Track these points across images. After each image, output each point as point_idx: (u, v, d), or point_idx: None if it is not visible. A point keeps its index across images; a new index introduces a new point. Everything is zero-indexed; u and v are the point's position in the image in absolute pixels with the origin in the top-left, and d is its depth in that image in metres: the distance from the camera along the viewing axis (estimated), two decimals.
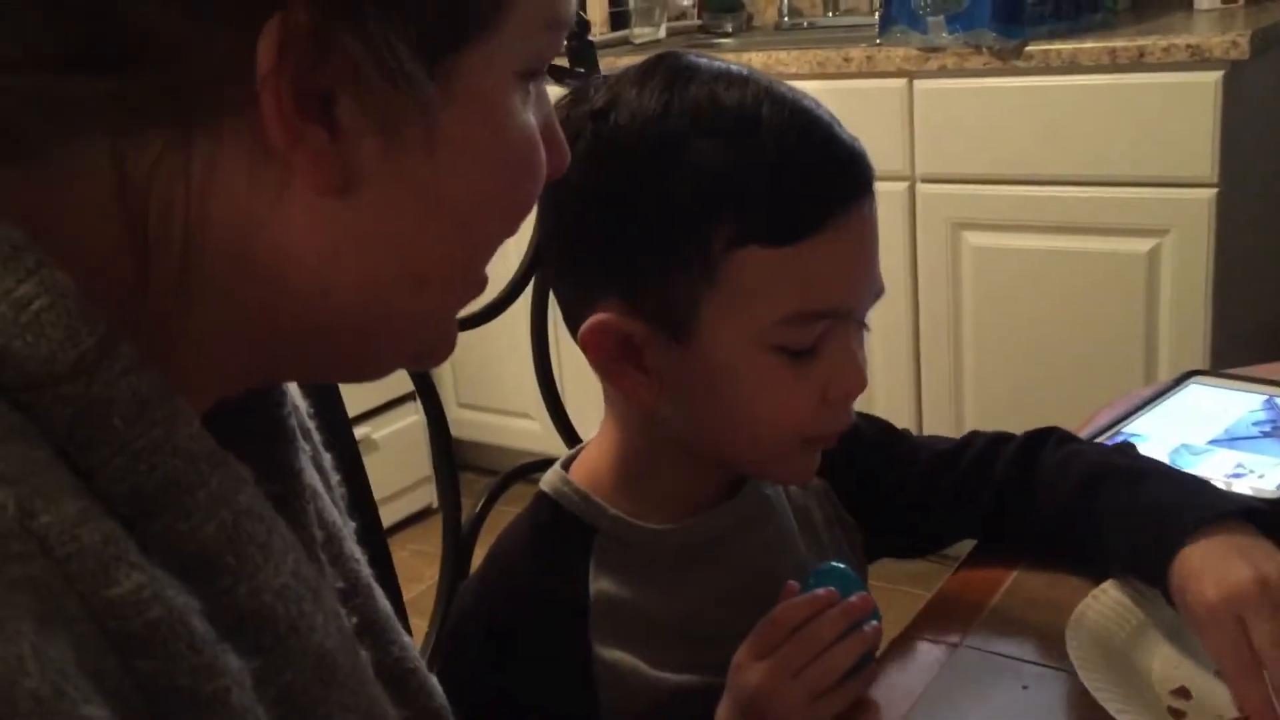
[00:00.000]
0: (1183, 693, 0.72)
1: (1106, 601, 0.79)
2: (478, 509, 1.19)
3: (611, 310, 0.74)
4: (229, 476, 0.41)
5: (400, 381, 1.75)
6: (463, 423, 3.00)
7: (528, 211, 0.48)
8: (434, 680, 0.58)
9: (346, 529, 0.56)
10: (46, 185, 0.39)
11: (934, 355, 2.24)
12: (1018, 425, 0.94)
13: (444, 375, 2.97)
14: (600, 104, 0.73)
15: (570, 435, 1.24)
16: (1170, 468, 0.88)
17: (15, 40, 0.37)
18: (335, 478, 0.58)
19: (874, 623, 0.75)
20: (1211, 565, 0.71)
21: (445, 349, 0.50)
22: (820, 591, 0.74)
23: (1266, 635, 0.67)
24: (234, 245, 0.41)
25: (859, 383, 0.75)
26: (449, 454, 1.17)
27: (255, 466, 0.43)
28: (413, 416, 2.74)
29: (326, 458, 0.58)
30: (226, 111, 0.39)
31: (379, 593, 0.57)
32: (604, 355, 0.75)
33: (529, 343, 1.21)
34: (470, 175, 0.44)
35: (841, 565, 0.79)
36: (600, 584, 0.77)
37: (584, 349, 0.76)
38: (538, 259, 1.14)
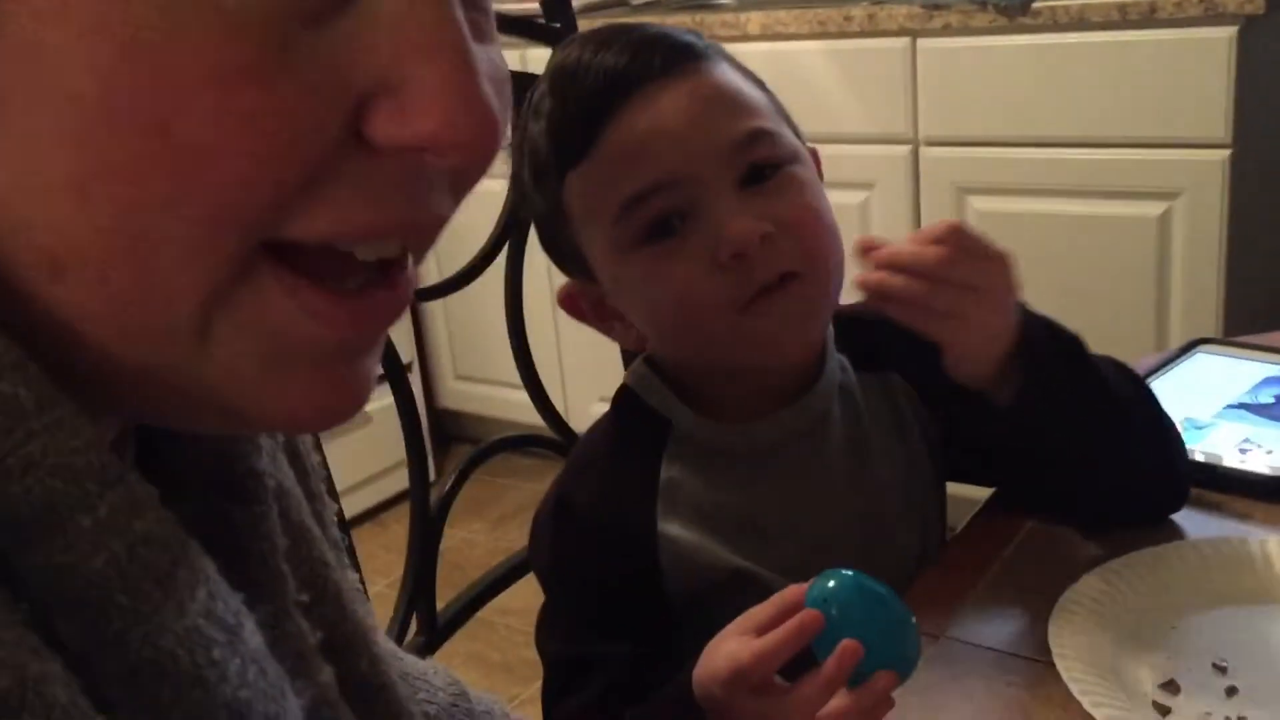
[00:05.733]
0: (1171, 686, 0.67)
1: (1095, 588, 0.74)
2: (448, 486, 1.15)
3: (570, 274, 0.82)
4: (125, 498, 0.34)
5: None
6: (459, 394, 2.96)
7: None
8: (403, 694, 0.53)
9: (325, 529, 0.51)
10: None
11: None
12: None
13: (440, 347, 2.93)
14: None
15: (545, 405, 1.19)
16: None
17: None
18: (315, 458, 0.53)
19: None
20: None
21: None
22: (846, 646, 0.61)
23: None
24: None
25: (731, 233, 0.73)
26: (418, 429, 1.14)
27: (205, 467, 0.38)
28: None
29: (306, 439, 0.53)
30: None
31: (353, 599, 0.51)
32: (579, 316, 0.83)
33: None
34: None
35: (850, 575, 0.63)
36: (670, 471, 0.81)
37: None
38: (510, 227, 1.10)
